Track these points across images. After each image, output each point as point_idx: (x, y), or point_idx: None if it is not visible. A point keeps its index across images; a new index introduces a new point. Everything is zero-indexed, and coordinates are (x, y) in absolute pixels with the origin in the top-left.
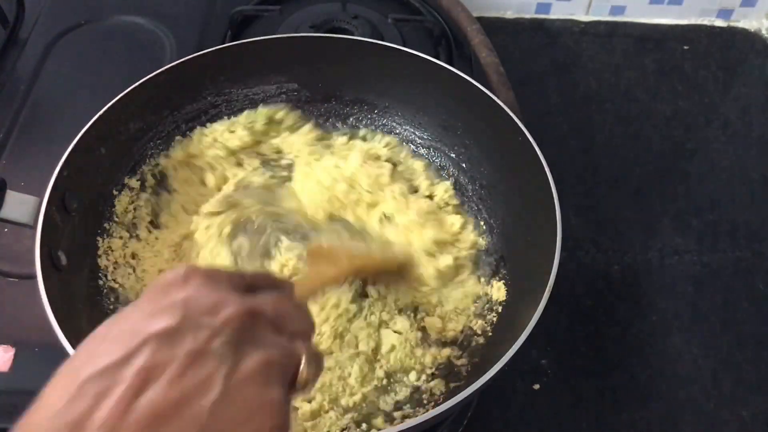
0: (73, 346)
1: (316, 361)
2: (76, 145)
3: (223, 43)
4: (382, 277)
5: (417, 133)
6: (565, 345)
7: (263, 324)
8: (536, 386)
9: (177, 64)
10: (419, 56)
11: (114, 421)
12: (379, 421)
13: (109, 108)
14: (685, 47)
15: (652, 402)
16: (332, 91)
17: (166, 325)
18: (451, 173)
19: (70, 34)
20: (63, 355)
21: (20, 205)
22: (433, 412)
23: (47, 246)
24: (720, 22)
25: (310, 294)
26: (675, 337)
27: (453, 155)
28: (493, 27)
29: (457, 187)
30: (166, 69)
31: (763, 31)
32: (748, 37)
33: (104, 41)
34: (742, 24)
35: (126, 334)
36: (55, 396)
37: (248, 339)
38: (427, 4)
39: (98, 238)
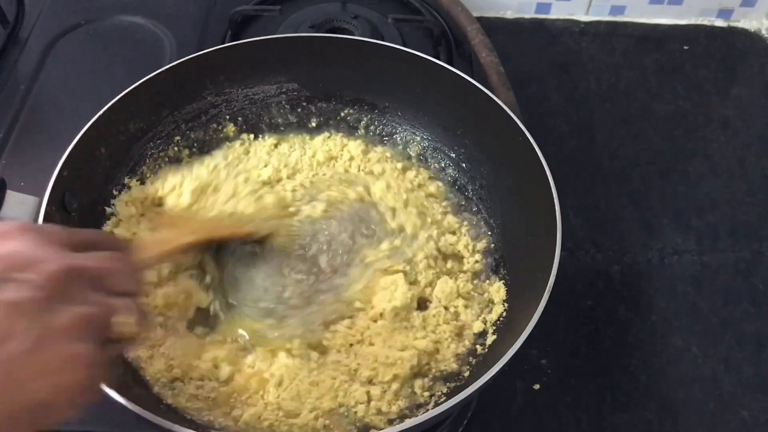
0: None
1: (141, 318)
2: (76, 145)
3: (223, 43)
4: None
5: (417, 133)
6: (565, 345)
7: (82, 281)
8: (536, 386)
9: (177, 64)
10: (419, 56)
11: None
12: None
13: (109, 108)
14: (685, 47)
15: (652, 402)
16: (332, 91)
17: None
18: (451, 173)
19: (70, 34)
20: None
21: (20, 205)
22: (433, 412)
23: None
24: (720, 22)
25: (158, 256)
26: (675, 337)
27: (453, 155)
28: (493, 27)
29: (457, 187)
30: (166, 69)
31: (763, 31)
32: (748, 37)
33: (104, 41)
34: (742, 24)
35: None
36: None
37: (64, 295)
38: (427, 4)
39: None
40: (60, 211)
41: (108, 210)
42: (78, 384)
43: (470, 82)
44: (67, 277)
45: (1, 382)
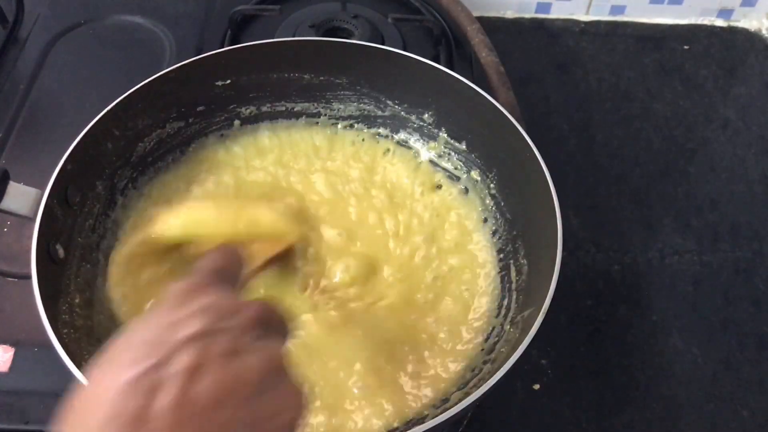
0: (59, 338)
1: None
2: (82, 138)
3: (223, 43)
4: None
5: (417, 135)
6: (565, 345)
7: (270, 324)
8: (536, 386)
9: (188, 63)
10: (416, 59)
11: (177, 409)
12: None
13: (118, 103)
14: (685, 47)
15: (652, 402)
16: (337, 95)
17: (199, 329)
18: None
19: (70, 34)
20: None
21: (22, 197)
22: (444, 417)
23: (45, 238)
24: (720, 22)
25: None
26: (675, 337)
27: (454, 157)
28: (493, 27)
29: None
30: (176, 67)
31: (763, 31)
32: (748, 37)
33: (104, 41)
34: (742, 24)
35: (158, 340)
36: (98, 400)
37: (265, 337)
38: (427, 3)
39: (100, 234)
40: (62, 204)
41: (112, 205)
42: (295, 421)
43: (465, 83)
44: (261, 321)
45: (245, 428)
